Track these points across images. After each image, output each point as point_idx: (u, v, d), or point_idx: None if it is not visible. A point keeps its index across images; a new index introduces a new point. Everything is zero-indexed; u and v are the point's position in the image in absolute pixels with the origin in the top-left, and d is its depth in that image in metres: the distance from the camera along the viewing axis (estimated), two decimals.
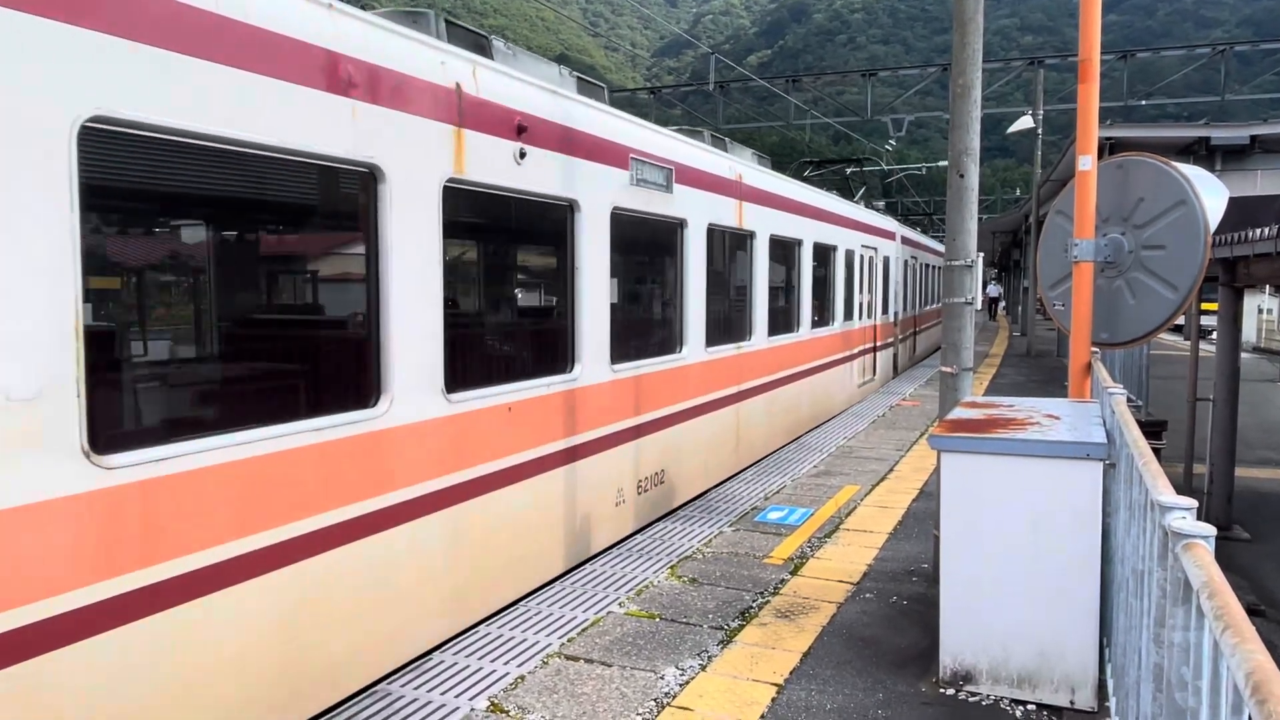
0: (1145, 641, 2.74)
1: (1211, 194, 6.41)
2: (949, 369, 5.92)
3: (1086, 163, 6.32)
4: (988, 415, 4.96)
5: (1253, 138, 17.75)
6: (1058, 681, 4.27)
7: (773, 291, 10.70)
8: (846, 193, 19.56)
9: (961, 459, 4.36)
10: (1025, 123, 22.83)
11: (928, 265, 25.38)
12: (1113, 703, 4.08)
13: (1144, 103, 25.03)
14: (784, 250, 11.29)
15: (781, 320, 11.32)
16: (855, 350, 15.34)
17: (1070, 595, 4.21)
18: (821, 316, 13.14)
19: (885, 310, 18.07)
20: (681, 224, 8.08)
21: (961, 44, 5.80)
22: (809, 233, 12.10)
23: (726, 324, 9.55)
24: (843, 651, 4.98)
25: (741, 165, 9.79)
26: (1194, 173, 6.40)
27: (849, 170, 21.36)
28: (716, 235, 9.00)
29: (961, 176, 5.79)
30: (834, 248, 13.53)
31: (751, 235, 9.94)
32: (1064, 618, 4.23)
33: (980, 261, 5.90)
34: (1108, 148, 16.38)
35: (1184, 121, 23.45)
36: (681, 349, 8.28)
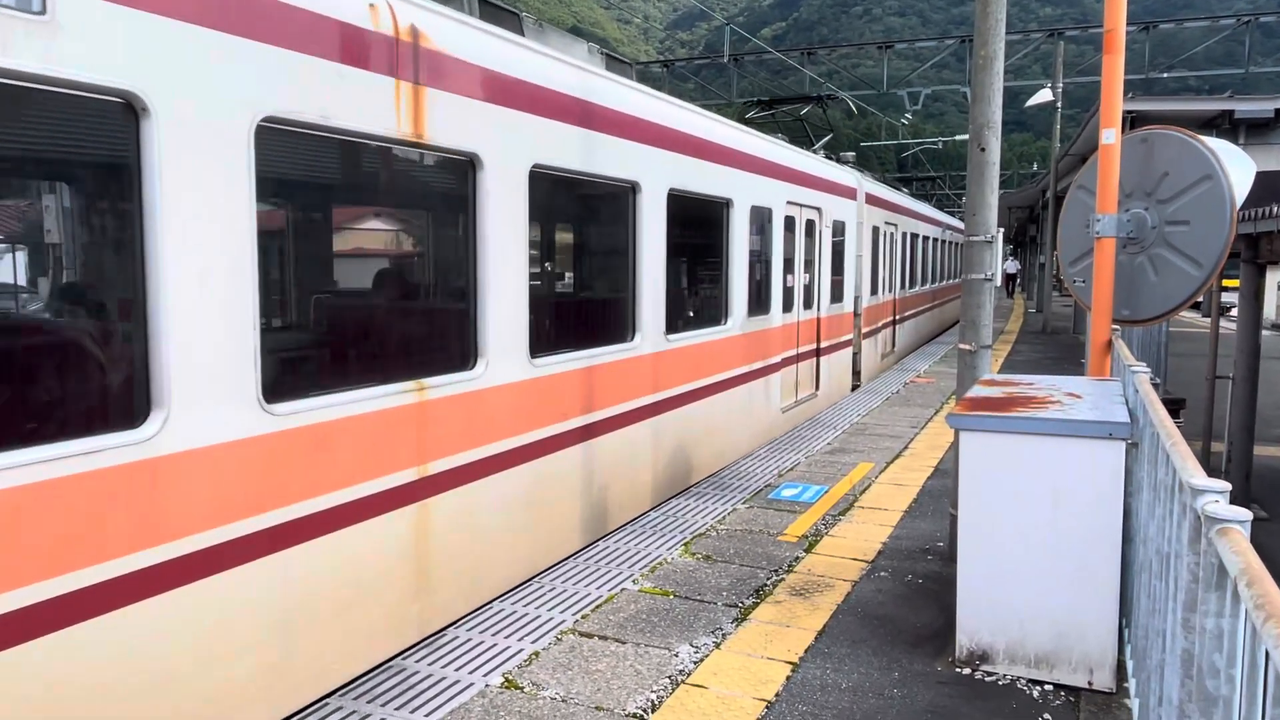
0: (1171, 625, 2.69)
1: (1238, 168, 6.28)
2: (967, 346, 5.84)
3: (1110, 136, 6.20)
4: (1007, 393, 4.89)
5: (1277, 111, 17.42)
6: (1076, 662, 4.23)
7: (554, 274, 6.33)
8: (806, 141, 14.87)
9: (981, 438, 4.30)
10: (1044, 96, 22.50)
11: (914, 235, 19.91)
12: (1132, 684, 4.04)
13: (1165, 75, 24.63)
14: (583, 201, 6.62)
15: (591, 325, 6.75)
16: (777, 359, 10.39)
17: (1090, 576, 4.16)
18: (702, 311, 8.53)
19: (839, 297, 13.10)
20: (134, 109, 3.38)
21: (984, 13, 5.67)
22: (658, 173, 7.24)
23: (388, 342, 4.87)
24: (858, 630, 4.95)
25: (417, 6, 4.75)
26: (1221, 146, 6.27)
27: (804, 110, 15.66)
28: (308, 150, 4.28)
29: (982, 150, 5.68)
30: (726, 203, 8.76)
31: (471, 163, 5.14)
32: (1083, 598, 4.19)
33: (1000, 237, 5.81)
34: (1129, 121, 16.13)
35: (1206, 95, 23.08)
36: (145, 419, 3.48)
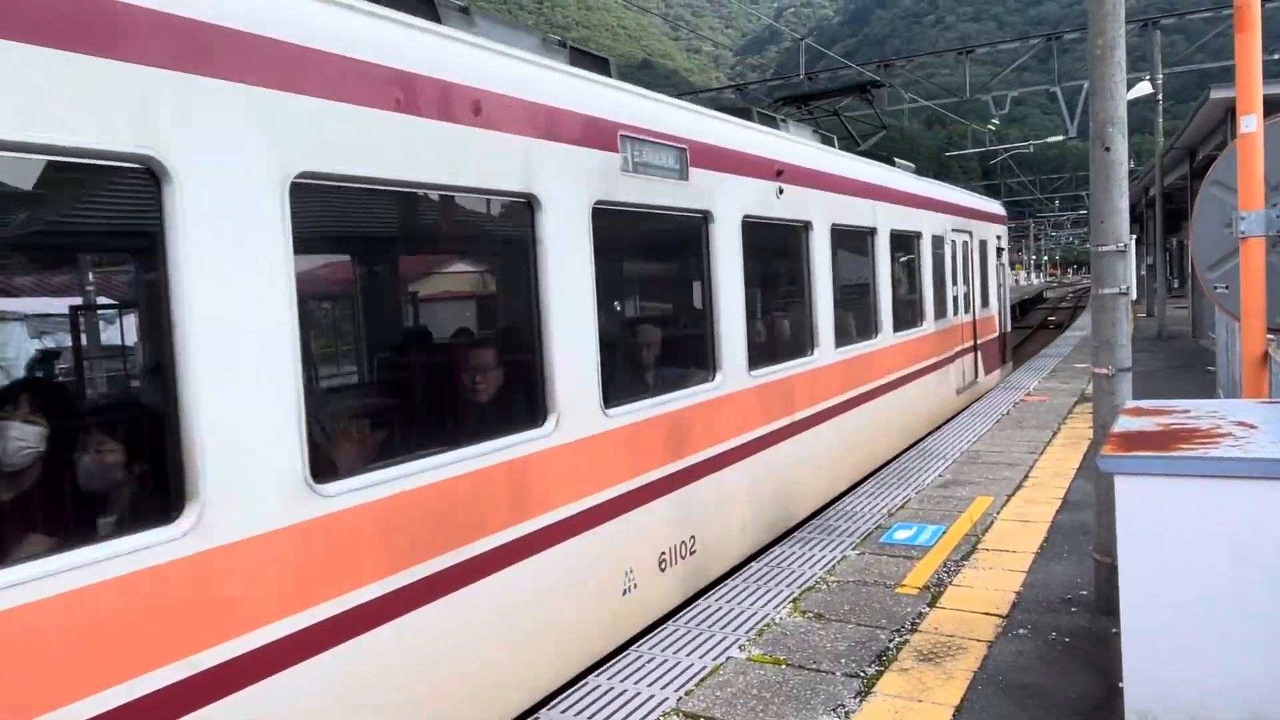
0: None
1: None
2: (1104, 370, 5.18)
3: (1251, 124, 5.49)
4: (1162, 425, 4.24)
5: None
6: None
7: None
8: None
9: (1142, 482, 3.68)
10: (1143, 89, 21.26)
11: (843, 230, 9.06)
12: None
13: (1277, 57, 23.02)
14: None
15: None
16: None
17: None
18: None
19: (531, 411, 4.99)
20: None
21: None
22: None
23: None
24: (1001, 703, 4.33)
25: None
26: None
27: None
28: None
29: (1107, 150, 5.05)
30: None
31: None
32: None
33: (1134, 245, 5.15)
34: None
35: None
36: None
